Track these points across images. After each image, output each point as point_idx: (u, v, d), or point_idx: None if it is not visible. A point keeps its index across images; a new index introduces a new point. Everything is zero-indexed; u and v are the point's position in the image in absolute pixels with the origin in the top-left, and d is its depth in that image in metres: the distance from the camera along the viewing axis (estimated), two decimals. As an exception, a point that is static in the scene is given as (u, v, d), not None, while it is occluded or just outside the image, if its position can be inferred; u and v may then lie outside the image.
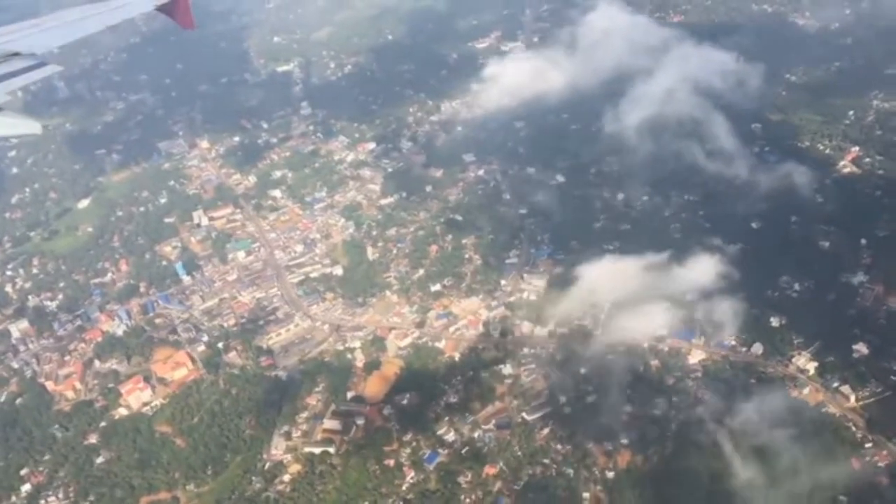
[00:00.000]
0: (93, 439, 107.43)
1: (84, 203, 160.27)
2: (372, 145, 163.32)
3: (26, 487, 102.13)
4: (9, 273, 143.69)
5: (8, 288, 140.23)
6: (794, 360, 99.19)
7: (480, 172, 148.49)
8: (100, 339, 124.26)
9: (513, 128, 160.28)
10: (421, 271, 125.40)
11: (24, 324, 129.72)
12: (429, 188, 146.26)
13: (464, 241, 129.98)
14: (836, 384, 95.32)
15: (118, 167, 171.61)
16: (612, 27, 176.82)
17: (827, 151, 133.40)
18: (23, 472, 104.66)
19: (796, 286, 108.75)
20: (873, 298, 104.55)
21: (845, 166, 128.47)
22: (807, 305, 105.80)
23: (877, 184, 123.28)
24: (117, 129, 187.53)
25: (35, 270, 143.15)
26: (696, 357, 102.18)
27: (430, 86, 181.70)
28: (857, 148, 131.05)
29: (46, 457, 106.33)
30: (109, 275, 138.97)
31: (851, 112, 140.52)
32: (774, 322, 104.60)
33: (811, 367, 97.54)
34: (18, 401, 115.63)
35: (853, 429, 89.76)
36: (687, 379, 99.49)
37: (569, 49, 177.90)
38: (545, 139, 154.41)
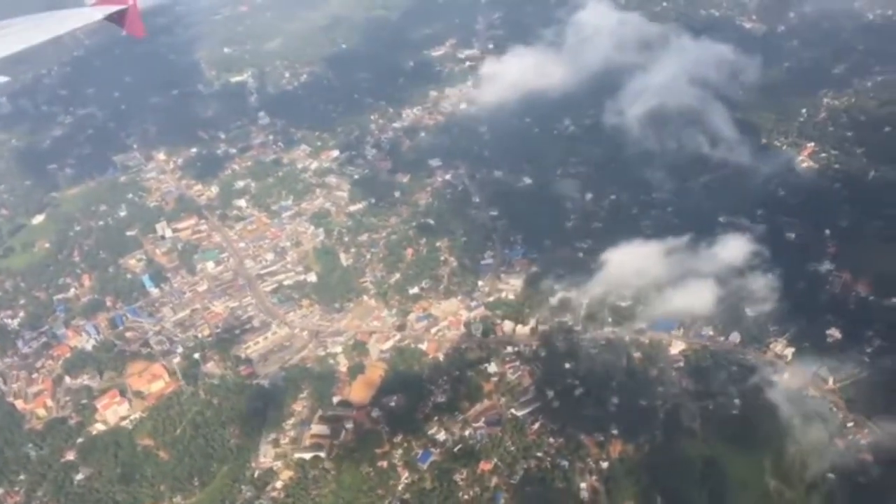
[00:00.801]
0: (70, 456, 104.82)
1: (38, 219, 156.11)
2: (336, 153, 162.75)
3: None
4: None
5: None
6: (771, 346, 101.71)
7: (447, 177, 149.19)
8: (68, 354, 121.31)
9: (476, 132, 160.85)
10: (397, 275, 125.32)
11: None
12: (397, 194, 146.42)
13: (438, 244, 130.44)
14: (813, 368, 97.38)
15: (72, 182, 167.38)
16: (570, 38, 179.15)
17: (784, 148, 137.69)
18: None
19: (768, 276, 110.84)
20: (842, 285, 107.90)
21: (803, 161, 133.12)
22: (778, 294, 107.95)
23: (834, 177, 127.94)
24: (67, 144, 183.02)
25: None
26: (676, 348, 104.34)
27: (389, 93, 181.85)
28: (812, 144, 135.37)
29: (21, 476, 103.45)
30: (73, 290, 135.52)
31: (804, 110, 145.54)
32: (749, 311, 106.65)
33: (788, 352, 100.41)
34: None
35: (834, 410, 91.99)
36: (670, 369, 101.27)
37: (522, 56, 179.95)
38: (508, 142, 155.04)
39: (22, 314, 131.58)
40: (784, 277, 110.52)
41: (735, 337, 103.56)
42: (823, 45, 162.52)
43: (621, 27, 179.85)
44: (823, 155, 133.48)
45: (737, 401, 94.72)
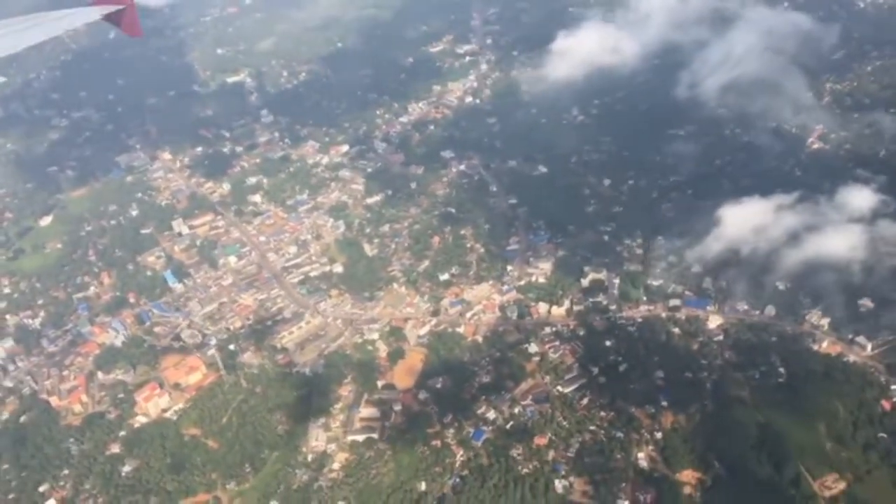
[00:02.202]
0: (115, 449, 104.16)
1: (46, 220, 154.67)
2: (345, 148, 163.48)
3: (51, 503, 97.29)
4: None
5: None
6: (807, 317, 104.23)
7: (462, 167, 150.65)
8: (97, 351, 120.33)
9: (485, 123, 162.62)
10: (426, 262, 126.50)
11: (8, 343, 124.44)
12: (413, 185, 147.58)
13: (462, 232, 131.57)
14: (850, 336, 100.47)
15: (75, 184, 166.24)
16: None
17: (794, 130, 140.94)
18: (42, 488, 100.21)
19: (790, 253, 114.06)
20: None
21: (814, 143, 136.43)
22: (807, 268, 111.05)
23: (847, 157, 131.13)
24: (66, 146, 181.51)
25: (7, 290, 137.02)
26: (714, 322, 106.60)
27: (392, 89, 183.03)
28: (820, 125, 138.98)
29: (65, 471, 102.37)
30: (92, 288, 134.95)
31: (810, 94, 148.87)
32: (780, 286, 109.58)
33: (824, 322, 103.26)
34: (23, 419, 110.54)
35: (876, 374, 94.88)
36: (711, 342, 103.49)
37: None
38: (518, 132, 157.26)
39: (42, 314, 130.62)
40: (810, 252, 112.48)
41: (770, 310, 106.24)
42: (821, 31, 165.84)
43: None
44: (833, 136, 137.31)
45: (781, 369, 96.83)
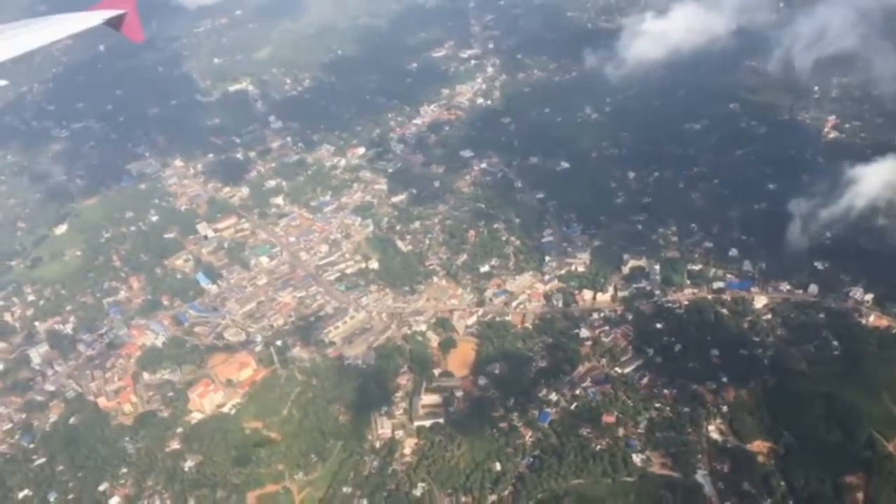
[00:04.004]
0: (174, 445, 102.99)
1: (61, 229, 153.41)
2: (361, 150, 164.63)
3: (114, 501, 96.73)
4: (1, 303, 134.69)
5: (7, 317, 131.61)
6: (850, 294, 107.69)
7: (483, 165, 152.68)
8: (138, 353, 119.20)
9: (500, 123, 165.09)
10: (464, 256, 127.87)
11: (43, 348, 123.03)
12: (437, 184, 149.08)
13: (495, 226, 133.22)
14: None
15: (86, 192, 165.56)
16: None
17: (808, 121, 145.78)
18: (101, 487, 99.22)
19: (828, 234, 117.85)
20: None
21: (829, 133, 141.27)
22: (843, 248, 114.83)
23: (863, 146, 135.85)
24: (71, 156, 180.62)
25: (32, 297, 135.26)
26: (759, 302, 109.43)
27: (401, 93, 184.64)
28: (833, 116, 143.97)
29: (123, 470, 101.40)
30: (122, 293, 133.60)
31: (816, 87, 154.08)
32: (819, 266, 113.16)
33: (868, 298, 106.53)
34: (72, 420, 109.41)
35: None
36: (761, 321, 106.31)
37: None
38: (533, 130, 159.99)
39: (73, 319, 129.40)
40: (843, 234, 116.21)
41: (813, 289, 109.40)
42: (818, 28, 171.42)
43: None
44: (847, 126, 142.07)
45: (835, 343, 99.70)
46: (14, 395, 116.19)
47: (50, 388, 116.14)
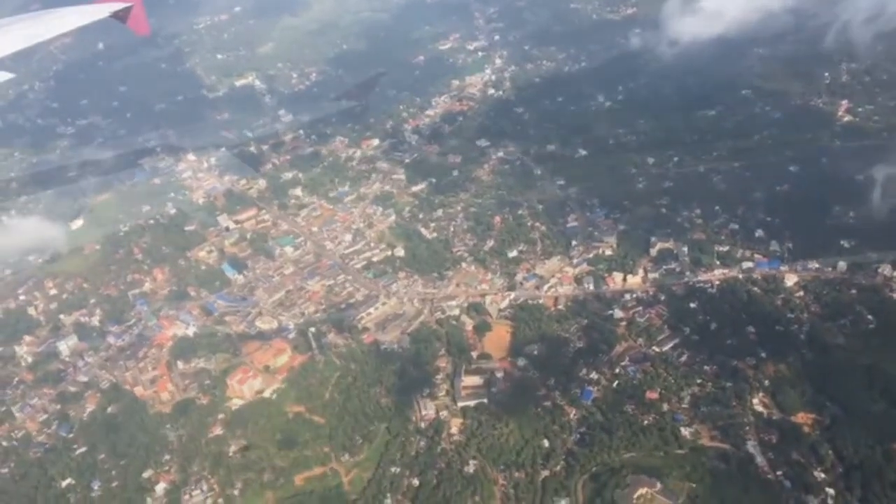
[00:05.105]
0: (217, 431, 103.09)
1: (77, 224, 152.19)
2: (376, 141, 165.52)
3: (161, 487, 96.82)
4: (22, 297, 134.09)
5: (31, 311, 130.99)
6: (879, 270, 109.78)
7: (500, 154, 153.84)
8: (170, 343, 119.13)
9: (514, 113, 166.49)
10: (490, 242, 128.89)
11: (73, 340, 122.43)
12: (455, 173, 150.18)
13: (520, 213, 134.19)
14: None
15: (99, 188, 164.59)
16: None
17: (821, 106, 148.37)
18: (145, 474, 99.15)
19: (851, 213, 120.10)
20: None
21: (843, 116, 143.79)
22: (867, 227, 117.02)
23: (879, 129, 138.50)
24: (80, 153, 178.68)
25: (54, 291, 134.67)
26: (790, 280, 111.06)
27: (410, 85, 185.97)
28: (846, 101, 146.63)
29: (166, 457, 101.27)
30: (147, 284, 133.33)
31: (827, 73, 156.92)
32: (846, 244, 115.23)
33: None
34: (110, 409, 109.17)
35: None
36: (794, 298, 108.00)
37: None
38: (546, 118, 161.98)
39: (99, 311, 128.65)
40: (865, 213, 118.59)
41: (842, 266, 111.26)
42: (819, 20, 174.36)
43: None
44: (860, 110, 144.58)
45: (870, 317, 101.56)
46: (46, 387, 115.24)
47: (83, 378, 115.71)
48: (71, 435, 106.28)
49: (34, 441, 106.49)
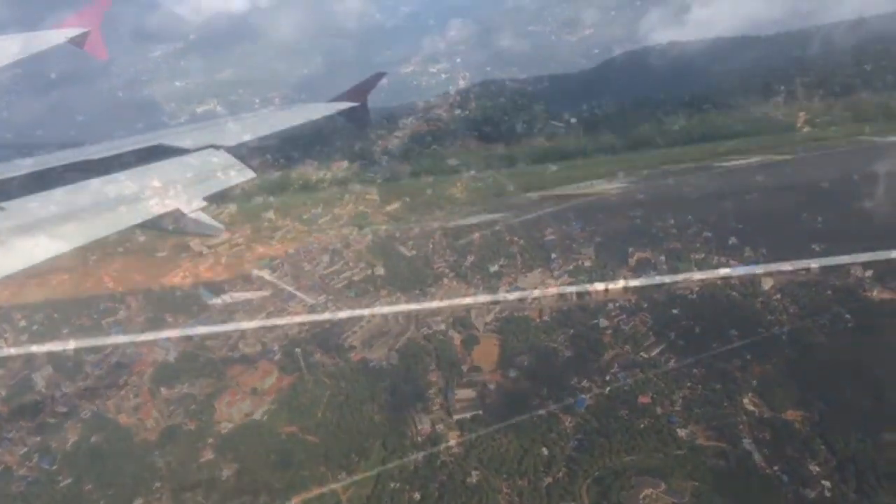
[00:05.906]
0: (208, 456, 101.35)
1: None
2: (345, 163, 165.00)
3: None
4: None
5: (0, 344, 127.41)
6: (851, 272, 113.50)
7: (472, 173, 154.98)
8: (151, 370, 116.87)
9: (482, 132, 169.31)
10: (471, 257, 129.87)
11: (48, 371, 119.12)
12: (429, 192, 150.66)
13: (497, 228, 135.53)
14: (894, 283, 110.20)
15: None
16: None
17: (780, 118, 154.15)
18: (136, 503, 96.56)
19: (819, 218, 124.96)
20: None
21: (803, 127, 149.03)
22: (835, 231, 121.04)
23: (838, 138, 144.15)
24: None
25: (23, 323, 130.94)
26: (767, 284, 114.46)
27: (377, 108, 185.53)
28: (803, 113, 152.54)
29: (157, 484, 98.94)
30: (121, 312, 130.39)
31: (783, 87, 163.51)
32: (816, 247, 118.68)
33: (867, 273, 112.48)
34: (93, 439, 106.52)
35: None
36: (772, 300, 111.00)
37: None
38: (518, 138, 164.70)
39: (72, 341, 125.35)
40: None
41: (815, 269, 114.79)
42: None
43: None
44: (818, 120, 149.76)
45: (847, 315, 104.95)
46: (23, 420, 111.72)
47: (62, 409, 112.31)
48: (54, 467, 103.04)
49: (16, 475, 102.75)
